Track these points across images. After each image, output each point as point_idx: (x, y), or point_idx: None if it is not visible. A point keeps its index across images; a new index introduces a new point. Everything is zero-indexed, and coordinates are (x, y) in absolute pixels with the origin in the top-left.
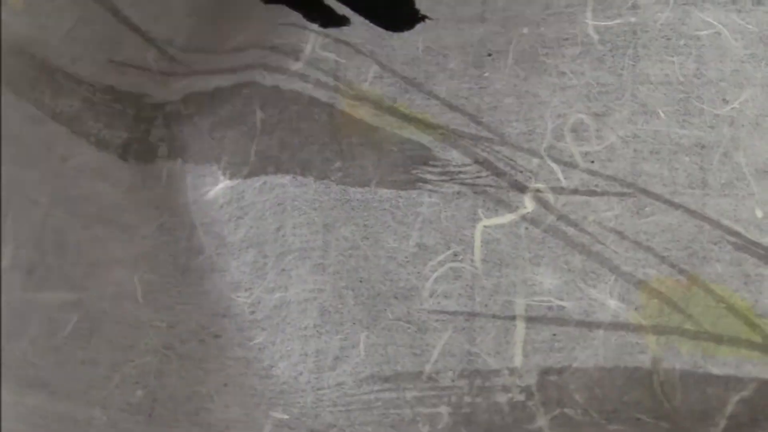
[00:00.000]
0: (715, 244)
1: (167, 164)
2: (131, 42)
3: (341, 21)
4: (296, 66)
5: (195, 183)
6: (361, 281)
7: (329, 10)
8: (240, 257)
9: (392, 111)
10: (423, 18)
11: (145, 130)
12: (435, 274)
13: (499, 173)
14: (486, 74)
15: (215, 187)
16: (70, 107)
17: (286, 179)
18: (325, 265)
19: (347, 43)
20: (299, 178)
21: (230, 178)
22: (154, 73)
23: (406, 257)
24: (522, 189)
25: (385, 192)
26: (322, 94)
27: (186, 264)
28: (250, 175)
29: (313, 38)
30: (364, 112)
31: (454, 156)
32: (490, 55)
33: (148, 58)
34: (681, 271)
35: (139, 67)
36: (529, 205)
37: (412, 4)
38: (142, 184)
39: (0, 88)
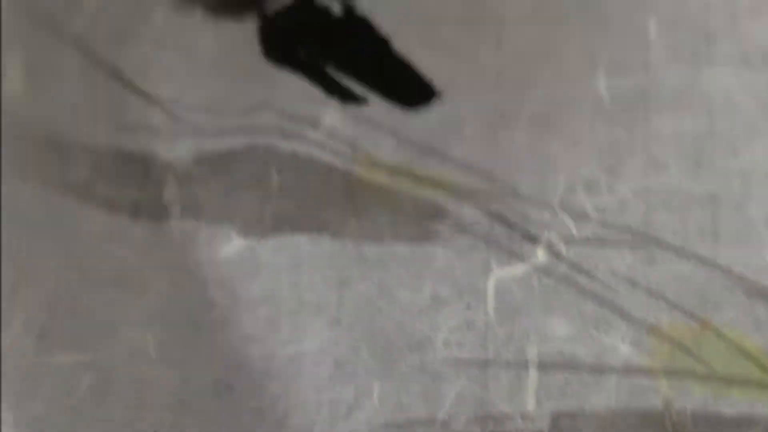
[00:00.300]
0: (727, 290)
1: (180, 223)
2: (137, 105)
3: (359, 98)
4: (314, 135)
5: (208, 241)
6: (375, 333)
7: (348, 89)
8: (254, 311)
9: (407, 173)
10: (439, 95)
11: (156, 189)
12: (448, 324)
13: (511, 226)
14: (500, 135)
15: (229, 245)
16: (79, 176)
17: (302, 239)
18: (340, 319)
19: (365, 117)
20: (315, 237)
21: (244, 238)
22: (162, 133)
23: (420, 309)
24: (534, 240)
25: (399, 246)
26: (338, 162)
27: (199, 319)
28: (265, 234)
29: (331, 111)
30: (379, 176)
31: (468, 211)
32: (504, 117)
33: (155, 119)
34: (693, 317)
35: (146, 128)
36: (541, 255)
37: (429, 80)
38: (154, 242)
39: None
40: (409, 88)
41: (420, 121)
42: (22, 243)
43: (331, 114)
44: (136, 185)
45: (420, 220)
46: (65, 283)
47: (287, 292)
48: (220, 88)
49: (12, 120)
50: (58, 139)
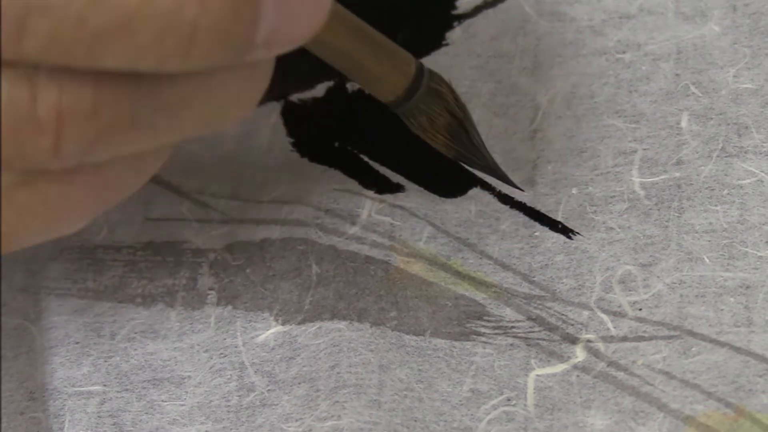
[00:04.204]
0: (761, 376)
1: (216, 310)
2: (164, 198)
3: (396, 188)
4: (353, 230)
5: (245, 327)
6: (415, 420)
7: (384, 179)
8: (292, 392)
9: (446, 267)
10: (476, 184)
11: (190, 277)
12: (488, 417)
13: (551, 328)
14: (536, 233)
15: (266, 331)
16: (114, 278)
17: (342, 324)
18: (381, 402)
19: (402, 207)
20: (355, 323)
21: (282, 324)
22: (191, 222)
23: (460, 401)
24: (573, 341)
25: (439, 341)
26: (377, 253)
27: (238, 404)
28: (305, 321)
29: (369, 204)
30: (418, 268)
31: (508, 313)
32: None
33: (183, 209)
34: (728, 405)
35: (176, 219)
36: (580, 354)
37: (466, 171)
38: (190, 330)
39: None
40: (446, 178)
41: (456, 213)
42: (63, 371)
43: (369, 207)
44: (168, 273)
45: (461, 320)
46: (109, 402)
47: (326, 373)
48: (246, 176)
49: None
50: (89, 243)
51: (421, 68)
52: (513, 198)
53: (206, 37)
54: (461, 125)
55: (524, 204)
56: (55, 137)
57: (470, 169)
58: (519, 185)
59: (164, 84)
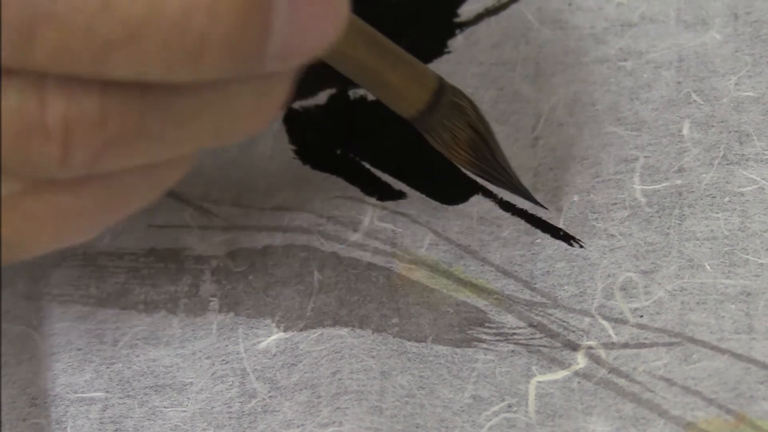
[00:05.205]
0: (762, 383)
1: (218, 317)
2: (167, 205)
3: (398, 195)
4: (355, 237)
5: (247, 333)
6: (417, 427)
7: (386, 186)
8: (293, 398)
9: (448, 275)
10: (478, 191)
11: (193, 284)
12: (490, 423)
13: (552, 335)
14: (538, 240)
15: (268, 338)
16: (116, 285)
17: (343, 331)
18: (382, 409)
19: (404, 214)
20: (357, 330)
21: (284, 331)
22: (193, 228)
23: (461, 407)
24: (575, 347)
25: (441, 348)
26: (379, 260)
27: (240, 410)
28: (306, 328)
29: (371, 211)
30: (420, 275)
31: (509, 319)
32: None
33: (186, 216)
34: (728, 411)
35: (178, 226)
36: (581, 361)
37: (468, 178)
38: (192, 336)
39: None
40: (447, 184)
41: (457, 220)
42: (65, 378)
43: (371, 214)
44: (170, 279)
45: (462, 327)
46: (111, 408)
47: (327, 380)
48: (248, 183)
49: None
50: (91, 251)
51: (441, 82)
52: (514, 205)
53: (215, 48)
54: (484, 140)
55: (526, 211)
56: (63, 146)
57: (478, 179)
58: (522, 192)
59: (174, 95)
